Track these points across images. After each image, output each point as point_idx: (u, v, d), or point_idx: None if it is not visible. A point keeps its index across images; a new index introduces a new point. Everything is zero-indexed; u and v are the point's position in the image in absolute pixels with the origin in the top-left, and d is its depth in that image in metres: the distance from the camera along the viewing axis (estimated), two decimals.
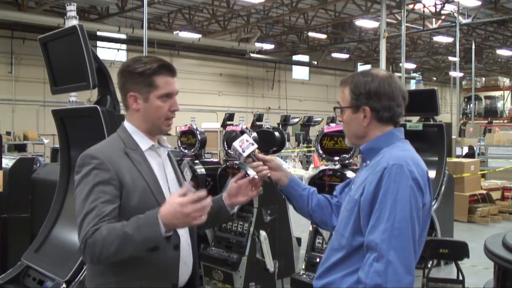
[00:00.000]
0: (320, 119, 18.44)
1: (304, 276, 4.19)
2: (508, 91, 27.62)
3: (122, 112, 3.12)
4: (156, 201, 1.87)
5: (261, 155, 2.14)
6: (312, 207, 2.12)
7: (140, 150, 1.96)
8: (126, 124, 2.01)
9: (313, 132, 17.34)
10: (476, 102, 24.69)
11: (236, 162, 4.96)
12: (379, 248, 1.65)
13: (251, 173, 2.09)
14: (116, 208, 1.80)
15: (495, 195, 9.86)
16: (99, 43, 19.15)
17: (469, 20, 18.59)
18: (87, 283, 1.95)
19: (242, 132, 5.07)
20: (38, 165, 4.54)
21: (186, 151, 5.61)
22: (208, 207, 1.76)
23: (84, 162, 1.87)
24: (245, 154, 2.09)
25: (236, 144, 2.10)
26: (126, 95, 1.97)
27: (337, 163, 4.15)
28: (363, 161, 1.97)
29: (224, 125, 13.28)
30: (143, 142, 1.98)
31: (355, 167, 4.11)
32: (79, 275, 2.92)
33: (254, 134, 5.11)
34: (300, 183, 2.16)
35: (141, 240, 1.71)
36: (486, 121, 23.83)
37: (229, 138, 2.14)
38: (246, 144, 2.09)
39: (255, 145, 2.11)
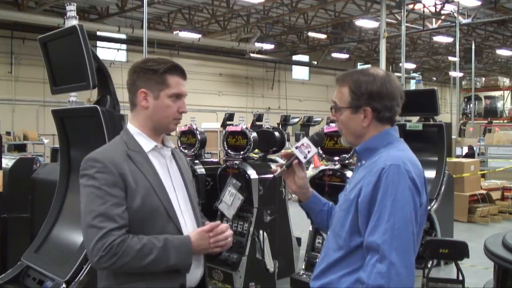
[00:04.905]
0: (320, 119, 18.40)
1: (304, 276, 4.20)
2: (508, 91, 27.64)
3: (122, 112, 3.13)
4: (160, 202, 1.90)
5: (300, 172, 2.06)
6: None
7: (142, 152, 1.96)
8: (129, 126, 2.01)
9: (313, 132, 17.31)
10: (476, 102, 24.71)
11: (236, 162, 4.97)
12: (381, 249, 1.64)
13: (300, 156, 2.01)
14: (125, 210, 1.82)
15: (495, 195, 9.87)
16: (99, 43, 19.14)
17: (469, 20, 18.59)
18: (98, 285, 1.96)
19: (243, 133, 5.08)
20: (38, 165, 4.53)
21: (186, 151, 5.61)
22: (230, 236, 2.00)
23: (87, 165, 1.88)
24: (304, 160, 2.02)
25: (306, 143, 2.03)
26: (136, 92, 1.97)
27: (337, 163, 4.16)
28: (357, 161, 1.95)
29: (224, 125, 13.27)
30: (146, 144, 1.98)
31: (354, 167, 4.12)
32: (79, 275, 2.92)
33: (254, 134, 5.11)
34: (320, 198, 2.13)
35: (174, 263, 1.84)
36: (486, 121, 23.83)
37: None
38: (306, 150, 2.01)
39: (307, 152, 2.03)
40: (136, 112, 2.00)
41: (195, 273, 1.96)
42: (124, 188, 1.84)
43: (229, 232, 1.99)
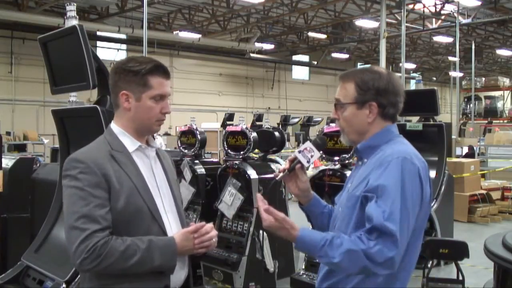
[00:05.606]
0: (320, 119, 18.43)
1: (304, 276, 4.19)
2: (508, 91, 27.66)
3: None
4: (143, 202, 1.88)
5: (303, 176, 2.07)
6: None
7: (126, 152, 1.94)
8: (113, 126, 1.99)
9: (313, 132, 17.33)
10: (476, 102, 24.72)
11: (236, 162, 4.96)
12: (380, 226, 1.66)
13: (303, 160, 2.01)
14: (109, 212, 1.80)
15: (495, 195, 9.86)
16: (99, 43, 19.15)
17: (469, 20, 18.59)
18: (81, 286, 1.95)
19: (243, 133, 5.08)
20: (38, 165, 4.54)
21: (186, 151, 5.61)
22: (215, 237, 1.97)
23: (70, 166, 1.85)
24: (307, 164, 2.02)
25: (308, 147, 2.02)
26: (118, 93, 1.94)
27: (337, 163, 4.16)
28: (358, 159, 1.96)
29: (224, 125, 13.28)
30: (130, 144, 1.96)
31: (355, 167, 4.11)
32: (79, 275, 2.92)
33: (254, 134, 5.10)
34: (321, 201, 2.14)
35: (158, 264, 1.82)
36: (486, 121, 23.83)
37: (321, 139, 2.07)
38: (309, 154, 2.00)
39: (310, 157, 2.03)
40: (119, 113, 1.98)
41: (179, 274, 1.95)
42: (107, 189, 1.82)
43: (214, 232, 1.97)
